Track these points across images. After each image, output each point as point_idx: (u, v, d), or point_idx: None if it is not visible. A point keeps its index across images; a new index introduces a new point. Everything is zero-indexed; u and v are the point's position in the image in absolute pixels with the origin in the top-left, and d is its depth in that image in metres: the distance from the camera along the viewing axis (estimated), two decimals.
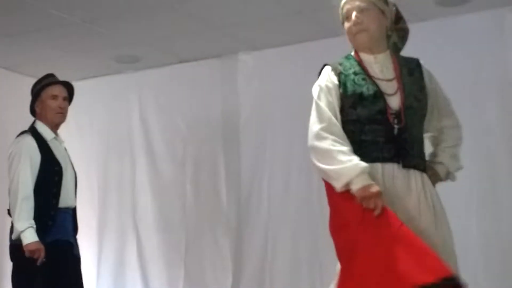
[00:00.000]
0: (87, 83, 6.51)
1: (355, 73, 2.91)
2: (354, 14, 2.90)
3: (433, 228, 2.79)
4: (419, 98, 2.92)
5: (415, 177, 2.86)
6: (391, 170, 2.83)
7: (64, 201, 4.10)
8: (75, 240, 4.20)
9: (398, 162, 2.84)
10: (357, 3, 2.91)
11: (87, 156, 6.45)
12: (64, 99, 4.26)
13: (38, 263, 3.95)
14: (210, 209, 5.82)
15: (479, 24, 4.89)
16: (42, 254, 3.95)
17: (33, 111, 4.27)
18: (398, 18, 2.97)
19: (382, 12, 2.91)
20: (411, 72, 2.95)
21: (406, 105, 2.86)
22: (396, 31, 2.97)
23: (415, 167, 2.87)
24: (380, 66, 2.93)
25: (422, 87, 2.94)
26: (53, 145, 4.18)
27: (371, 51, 2.94)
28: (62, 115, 4.24)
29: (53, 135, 4.20)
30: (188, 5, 4.80)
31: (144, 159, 6.19)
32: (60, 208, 4.08)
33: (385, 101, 2.86)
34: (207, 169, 5.91)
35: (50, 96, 4.21)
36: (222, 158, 5.85)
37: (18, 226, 3.94)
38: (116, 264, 6.19)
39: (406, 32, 3.01)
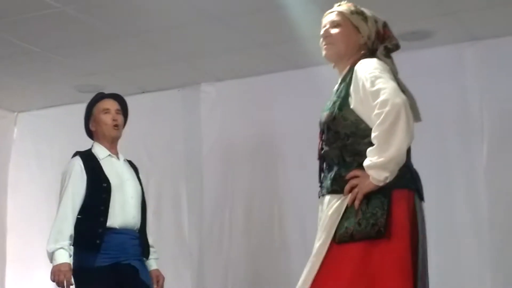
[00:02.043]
0: (48, 112, 6.47)
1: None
2: (325, 28, 2.92)
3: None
4: (329, 116, 2.78)
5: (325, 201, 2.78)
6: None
7: (118, 220, 3.91)
8: (141, 263, 3.99)
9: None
10: (332, 18, 2.93)
11: (47, 186, 6.36)
12: (117, 112, 4.15)
13: (67, 287, 3.82)
14: (172, 241, 5.76)
15: (441, 59, 4.97)
16: (65, 277, 3.80)
17: (89, 133, 4.19)
18: (385, 37, 2.94)
19: (357, 28, 2.90)
20: (338, 88, 2.86)
21: (321, 130, 2.85)
22: (385, 48, 2.92)
23: (322, 194, 2.79)
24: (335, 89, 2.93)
25: (341, 98, 2.78)
26: (107, 163, 4.05)
27: (338, 67, 2.95)
28: (117, 128, 4.12)
29: (107, 152, 4.08)
30: (151, 36, 4.79)
31: None
32: (113, 228, 3.89)
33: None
34: (170, 200, 5.86)
35: (102, 111, 4.12)
36: (184, 189, 5.81)
37: (48, 248, 3.88)
38: None
39: (396, 47, 2.97)
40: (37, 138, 6.51)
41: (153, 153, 5.87)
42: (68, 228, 3.90)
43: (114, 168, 4.07)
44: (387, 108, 2.55)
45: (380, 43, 2.91)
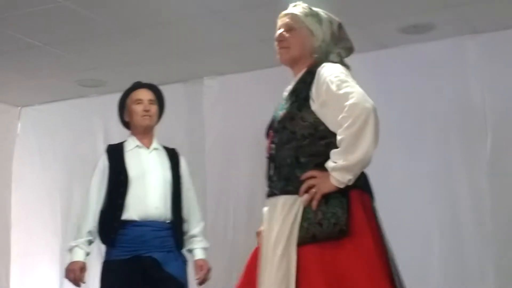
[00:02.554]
0: (50, 106, 6.49)
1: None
2: (279, 31, 2.89)
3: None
4: (286, 116, 2.74)
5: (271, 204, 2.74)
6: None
7: (137, 212, 3.84)
8: (170, 255, 3.86)
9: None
10: (286, 20, 2.88)
11: (50, 181, 6.40)
12: (150, 102, 4.07)
13: (78, 284, 3.88)
14: None
15: (441, 52, 4.97)
16: (75, 275, 3.83)
17: (126, 125, 4.13)
18: (340, 39, 2.89)
19: (312, 32, 2.84)
20: (295, 88, 2.81)
21: (273, 130, 2.80)
22: (341, 49, 2.90)
23: (272, 194, 2.74)
24: (287, 90, 2.89)
25: (302, 99, 2.73)
26: (132, 155, 4.00)
27: (292, 69, 2.91)
28: (149, 118, 4.03)
29: (135, 143, 4.03)
30: (153, 30, 4.80)
31: None
32: (132, 221, 3.83)
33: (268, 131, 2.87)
34: None
35: (134, 102, 4.05)
36: None
37: (67, 247, 3.93)
38: None
39: (350, 50, 2.94)
40: (40, 133, 6.53)
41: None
42: (86, 224, 3.90)
43: (139, 160, 4.00)
44: (356, 112, 2.53)
45: (335, 45, 2.87)
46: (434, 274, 4.83)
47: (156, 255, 3.81)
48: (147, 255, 3.81)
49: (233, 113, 5.65)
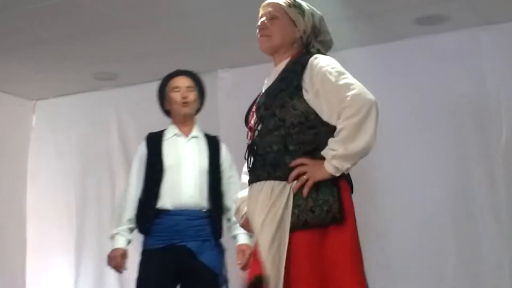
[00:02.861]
0: (64, 100, 6.51)
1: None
2: (262, 19, 2.92)
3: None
4: (277, 104, 2.73)
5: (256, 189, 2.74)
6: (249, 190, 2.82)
7: (170, 201, 3.87)
8: (206, 244, 3.85)
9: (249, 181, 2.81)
10: (269, 9, 2.91)
11: (65, 174, 6.42)
12: (188, 89, 4.07)
13: (119, 271, 3.97)
14: None
15: (456, 43, 4.95)
16: (115, 262, 3.91)
17: (167, 113, 4.14)
18: (319, 32, 2.92)
19: (294, 22, 2.87)
20: (283, 77, 2.81)
21: (257, 117, 2.81)
22: (319, 43, 2.93)
23: (257, 179, 2.74)
24: (269, 79, 2.93)
25: (294, 87, 2.73)
26: (170, 143, 4.02)
27: (274, 59, 2.95)
28: (187, 105, 4.04)
29: (174, 132, 4.05)
30: (167, 23, 4.80)
31: (124, 176, 6.12)
32: (166, 210, 3.86)
33: (248, 119, 2.93)
34: None
35: (172, 89, 4.07)
36: None
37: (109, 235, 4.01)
38: (95, 283, 6.12)
39: (329, 44, 2.98)
40: (55, 126, 6.56)
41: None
42: (126, 213, 3.96)
43: (175, 148, 4.01)
44: (359, 103, 2.58)
45: (315, 38, 2.91)
46: (448, 266, 4.82)
47: (190, 245, 3.82)
48: (181, 244, 3.82)
49: (247, 105, 5.63)
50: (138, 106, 6.13)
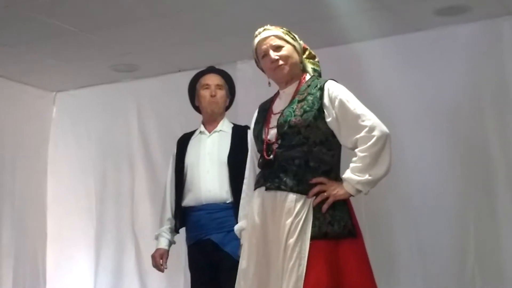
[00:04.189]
0: (84, 92, 6.54)
1: (264, 110, 3.30)
2: (271, 52, 3.13)
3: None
4: (302, 124, 2.99)
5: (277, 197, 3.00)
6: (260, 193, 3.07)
7: (192, 198, 3.98)
8: (226, 235, 3.83)
9: (265, 186, 3.05)
10: (271, 42, 3.15)
11: (85, 165, 6.45)
12: (218, 87, 4.14)
13: (160, 270, 4.11)
14: None
15: (477, 34, 4.90)
16: (156, 261, 4.05)
17: (198, 110, 4.21)
18: (305, 50, 3.23)
19: (294, 47, 3.16)
20: (303, 99, 3.06)
21: (279, 134, 3.04)
22: (308, 59, 3.22)
23: (278, 188, 2.99)
24: (281, 100, 3.19)
25: (316, 110, 3.00)
26: (195, 141, 4.12)
27: (286, 84, 3.19)
28: (215, 103, 4.10)
29: (201, 129, 4.14)
30: (186, 14, 4.80)
31: (143, 168, 6.18)
32: (190, 207, 3.98)
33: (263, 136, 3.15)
34: None
35: (202, 87, 4.13)
36: None
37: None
38: (114, 273, 6.16)
39: (314, 58, 3.26)
40: (75, 117, 6.59)
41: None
42: (165, 212, 4.11)
43: (198, 146, 4.09)
44: (377, 134, 2.90)
45: (304, 56, 3.23)
46: (469, 259, 4.79)
47: (214, 237, 3.90)
48: (206, 238, 3.91)
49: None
50: (158, 98, 6.15)
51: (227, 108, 4.28)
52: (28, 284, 6.19)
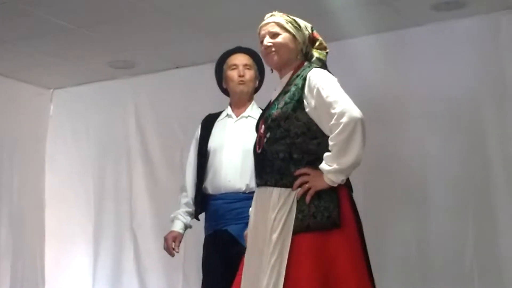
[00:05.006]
0: (82, 88, 6.54)
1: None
2: (266, 38, 3.14)
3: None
4: (282, 116, 2.98)
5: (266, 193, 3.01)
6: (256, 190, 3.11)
7: (212, 186, 3.82)
8: (244, 227, 3.48)
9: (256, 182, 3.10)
10: (270, 29, 3.16)
11: (82, 162, 6.46)
12: (246, 67, 3.94)
13: (170, 253, 3.98)
14: None
15: (475, 29, 4.89)
16: (168, 244, 3.91)
17: (226, 92, 4.03)
18: (315, 40, 3.20)
19: (294, 36, 3.13)
20: (287, 90, 3.06)
21: (265, 127, 3.04)
22: (316, 49, 3.19)
23: (266, 184, 3.01)
24: (276, 91, 3.18)
25: (295, 101, 2.98)
26: (220, 125, 3.94)
27: (280, 72, 3.19)
28: (243, 84, 3.91)
29: (228, 112, 3.96)
30: (184, 10, 4.80)
31: (141, 164, 6.18)
32: (210, 195, 3.83)
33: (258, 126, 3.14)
34: None
35: (229, 67, 3.95)
36: None
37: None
38: (113, 270, 6.17)
39: (325, 49, 3.22)
40: (72, 114, 6.59)
41: (187, 127, 5.85)
42: (184, 196, 3.96)
43: (223, 130, 3.92)
44: (344, 120, 2.82)
45: (312, 46, 3.19)
46: (467, 257, 4.79)
47: (232, 228, 3.73)
48: (224, 229, 3.76)
49: (262, 94, 5.63)
50: (156, 94, 6.15)
51: (256, 90, 4.07)
52: (27, 281, 6.20)
